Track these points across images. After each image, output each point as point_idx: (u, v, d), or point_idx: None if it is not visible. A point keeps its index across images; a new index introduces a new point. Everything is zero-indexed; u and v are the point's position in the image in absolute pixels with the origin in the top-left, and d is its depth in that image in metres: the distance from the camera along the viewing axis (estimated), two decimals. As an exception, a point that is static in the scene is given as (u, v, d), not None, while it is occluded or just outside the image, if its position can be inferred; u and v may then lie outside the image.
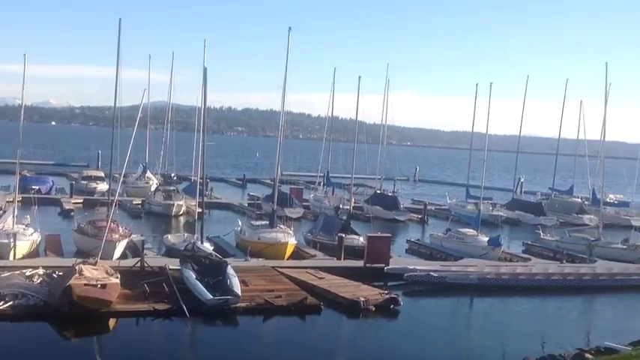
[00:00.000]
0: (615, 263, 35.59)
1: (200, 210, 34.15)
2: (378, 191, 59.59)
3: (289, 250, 32.85)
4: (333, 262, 31.67)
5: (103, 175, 60.43)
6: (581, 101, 64.08)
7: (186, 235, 35.31)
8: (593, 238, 40.24)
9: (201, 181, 36.41)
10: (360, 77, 51.29)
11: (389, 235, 33.96)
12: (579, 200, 63.09)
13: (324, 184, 63.08)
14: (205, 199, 37.68)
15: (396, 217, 52.21)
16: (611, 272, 33.18)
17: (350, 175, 51.38)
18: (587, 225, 50.30)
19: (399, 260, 32.86)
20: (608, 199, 58.21)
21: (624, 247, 39.14)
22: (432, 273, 29.96)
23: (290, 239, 33.43)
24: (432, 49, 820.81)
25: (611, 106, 50.98)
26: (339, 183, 61.69)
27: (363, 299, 24.73)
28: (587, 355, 18.11)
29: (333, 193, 59.92)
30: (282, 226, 35.83)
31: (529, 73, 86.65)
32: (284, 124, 41.23)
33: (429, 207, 56.92)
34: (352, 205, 49.42)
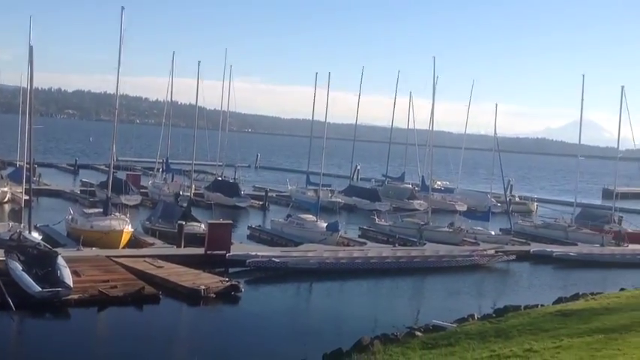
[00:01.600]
0: (442, 245, 37.95)
1: (27, 197, 31.87)
2: (219, 178, 59.09)
3: (125, 239, 31.56)
4: (173, 250, 30.97)
5: None
6: (410, 92, 67.64)
7: (11, 224, 32.62)
8: (422, 223, 42.67)
9: (27, 166, 33.95)
10: (199, 62, 50.70)
11: (230, 221, 33.80)
12: (410, 187, 66.54)
13: (163, 171, 61.36)
14: (33, 186, 35.18)
15: (237, 203, 52.08)
16: (438, 254, 35.37)
17: (190, 162, 50.56)
18: (417, 210, 53.30)
19: (241, 247, 32.82)
20: (435, 186, 61.70)
21: (450, 230, 41.88)
22: (273, 259, 30.21)
23: (125, 227, 32.11)
24: (273, 36, 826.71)
25: (439, 98, 54.16)
26: (179, 169, 60.40)
27: (203, 287, 24.40)
28: (417, 333, 19.00)
29: (172, 180, 58.47)
30: (117, 213, 34.35)
31: (365, 65, 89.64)
32: (119, 107, 39.55)
33: (270, 193, 57.36)
34: (193, 191, 48.72)
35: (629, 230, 46.80)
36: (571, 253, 39.12)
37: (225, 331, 21.60)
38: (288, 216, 40.75)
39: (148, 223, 36.58)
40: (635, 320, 15.90)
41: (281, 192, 61.93)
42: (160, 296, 23.53)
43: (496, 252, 36.89)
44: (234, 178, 60.55)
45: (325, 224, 38.49)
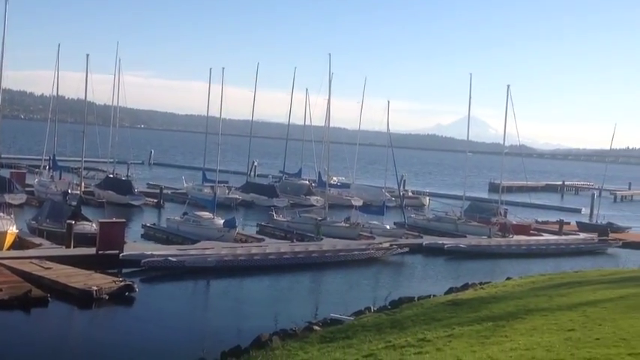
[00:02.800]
0: (339, 240, 38.49)
1: None
2: (111, 175, 57.20)
3: (9, 240, 29.89)
4: (62, 251, 29.63)
5: None
6: (306, 89, 68.40)
7: None
8: (320, 218, 43.11)
9: None
10: (88, 55, 48.76)
11: (123, 220, 32.78)
12: (307, 182, 67.02)
13: (49, 168, 58.58)
14: None
15: (130, 201, 50.58)
16: (335, 249, 35.85)
17: (79, 159, 48.58)
18: (314, 206, 53.77)
19: (135, 246, 31.90)
20: (332, 181, 62.48)
21: (347, 225, 42.53)
22: (170, 258, 29.54)
23: (10, 227, 30.42)
24: (167, 30, 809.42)
25: (334, 95, 55.05)
26: (67, 167, 57.93)
27: (95, 288, 23.52)
28: (316, 328, 19.20)
29: (60, 178, 56.05)
30: (0, 213, 32.51)
31: (261, 61, 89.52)
32: (2, 102, 37.46)
33: (165, 191, 56.11)
34: (82, 189, 46.91)
35: (514, 222, 49.34)
36: (461, 245, 40.75)
37: (119, 334, 20.91)
38: (185, 213, 40.00)
39: (34, 222, 34.82)
40: (521, 308, 16.74)
41: (176, 189, 60.69)
42: (49, 299, 22.45)
43: (391, 245, 37.81)
44: (127, 176, 58.74)
45: (222, 221, 38.10)
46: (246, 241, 36.87)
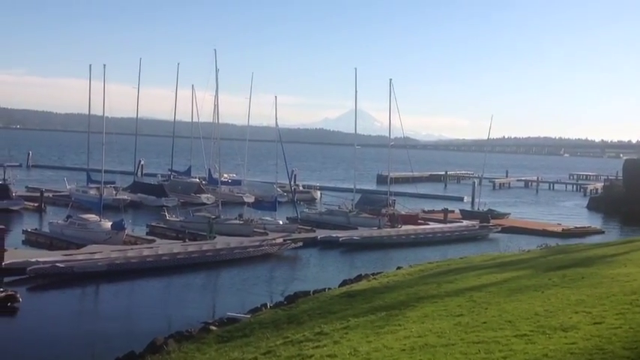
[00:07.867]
0: (233, 238, 38.21)
1: None
2: (-15, 180, 53.83)
3: None
4: None
5: None
6: (192, 85, 67.71)
7: None
8: (213, 216, 42.61)
9: None
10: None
11: (1, 227, 30.95)
12: (197, 180, 66.05)
13: None
14: None
15: (8, 207, 47.85)
16: (230, 247, 35.60)
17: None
18: (205, 204, 53.08)
19: (17, 253, 30.29)
20: (223, 178, 61.88)
21: (240, 222, 42.32)
22: (57, 264, 28.26)
23: None
24: (40, 25, 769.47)
25: (222, 91, 54.57)
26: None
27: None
28: (212, 328, 18.99)
29: None
30: None
31: (143, 56, 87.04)
32: None
33: (46, 194, 53.47)
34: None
35: (402, 212, 50.89)
36: (354, 237, 41.56)
37: (2, 348, 19.76)
38: (69, 217, 38.34)
39: None
40: (412, 296, 17.30)
41: (59, 191, 58.06)
42: None
43: (284, 240, 37.97)
44: (4, 179, 55.50)
45: (110, 223, 36.84)
46: (135, 243, 35.85)
